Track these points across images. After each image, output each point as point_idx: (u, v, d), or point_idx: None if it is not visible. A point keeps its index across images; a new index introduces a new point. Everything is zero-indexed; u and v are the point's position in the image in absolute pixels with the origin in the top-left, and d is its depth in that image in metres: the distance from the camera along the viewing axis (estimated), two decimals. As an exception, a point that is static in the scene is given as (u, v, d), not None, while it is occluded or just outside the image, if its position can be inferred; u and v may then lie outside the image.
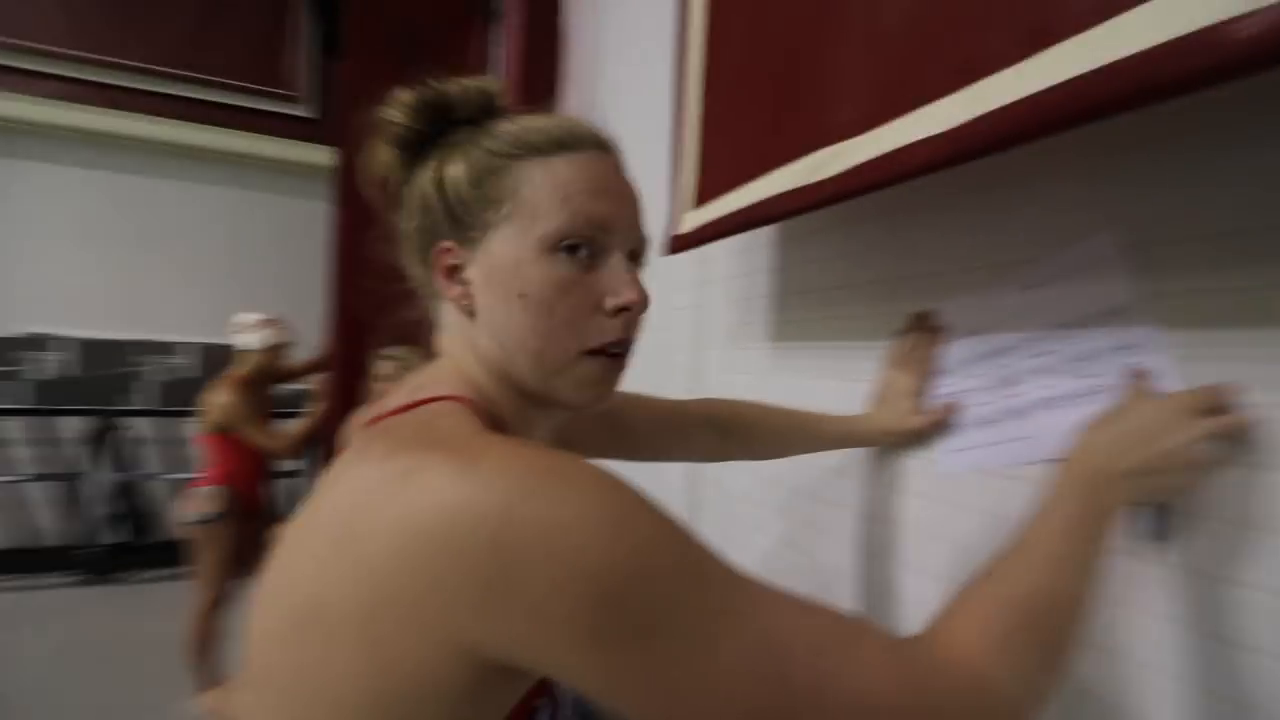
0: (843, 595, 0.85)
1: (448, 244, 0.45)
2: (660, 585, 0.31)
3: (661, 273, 1.45)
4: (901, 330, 0.74)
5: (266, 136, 5.33)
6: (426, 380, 0.45)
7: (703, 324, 1.28)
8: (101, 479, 3.29)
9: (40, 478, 3.21)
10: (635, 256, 0.46)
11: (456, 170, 0.45)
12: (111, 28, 4.92)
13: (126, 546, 3.32)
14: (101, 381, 3.52)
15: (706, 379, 1.26)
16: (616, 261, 0.44)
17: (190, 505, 2.24)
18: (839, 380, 0.87)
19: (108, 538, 3.28)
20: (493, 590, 0.30)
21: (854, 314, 0.85)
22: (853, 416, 0.77)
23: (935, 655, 0.37)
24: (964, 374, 0.68)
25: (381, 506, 0.32)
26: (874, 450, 0.81)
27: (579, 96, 2.06)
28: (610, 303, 0.43)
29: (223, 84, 5.24)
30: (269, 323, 2.39)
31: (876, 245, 0.81)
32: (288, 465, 2.60)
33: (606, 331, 0.44)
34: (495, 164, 0.44)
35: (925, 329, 0.72)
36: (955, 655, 0.37)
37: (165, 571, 3.23)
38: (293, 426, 2.43)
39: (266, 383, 2.40)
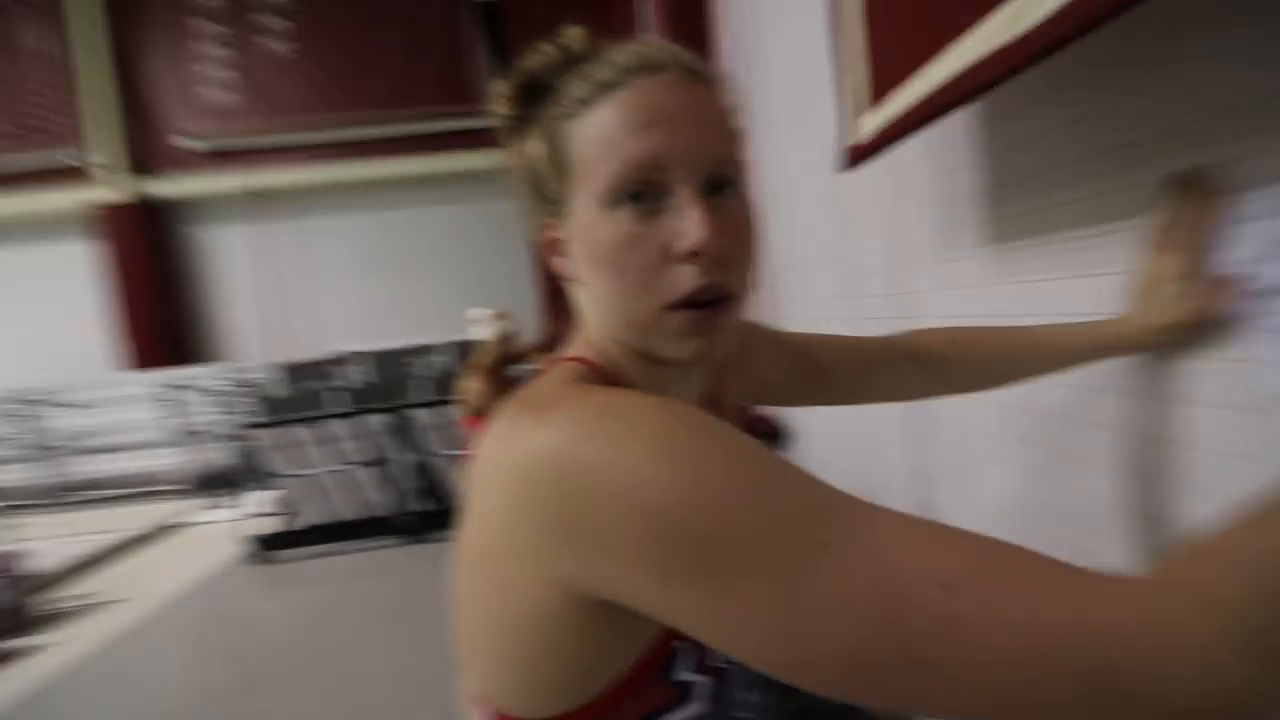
0: (1113, 533, 0.70)
1: (549, 220, 0.45)
2: (733, 518, 0.29)
3: (844, 191, 1.32)
4: (1164, 200, 0.58)
5: (470, 151, 6.03)
6: (569, 347, 0.48)
7: (902, 241, 1.15)
8: (404, 461, 4.06)
9: (363, 464, 4.07)
10: (718, 185, 0.40)
11: (535, 147, 0.44)
12: (342, 87, 5.92)
13: (430, 513, 4.06)
14: (390, 384, 4.32)
15: (915, 302, 1.12)
16: (681, 199, 0.39)
17: (464, 478, 2.66)
18: (1080, 276, 0.71)
19: (416, 507, 4.04)
20: (567, 529, 0.32)
21: (1093, 192, 0.68)
22: (1102, 321, 0.62)
23: (1131, 608, 0.27)
24: (1264, 244, 0.51)
25: (491, 461, 0.37)
26: (1143, 359, 0.65)
27: (734, 24, 1.94)
28: (677, 247, 0.39)
29: (429, 112, 6.02)
30: (497, 316, 2.73)
31: (1113, 101, 0.63)
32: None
33: (682, 281, 0.39)
34: (557, 130, 0.42)
35: (1197, 193, 0.55)
36: (1163, 612, 0.27)
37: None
38: (530, 403, 2.75)
39: (504, 367, 2.74)
